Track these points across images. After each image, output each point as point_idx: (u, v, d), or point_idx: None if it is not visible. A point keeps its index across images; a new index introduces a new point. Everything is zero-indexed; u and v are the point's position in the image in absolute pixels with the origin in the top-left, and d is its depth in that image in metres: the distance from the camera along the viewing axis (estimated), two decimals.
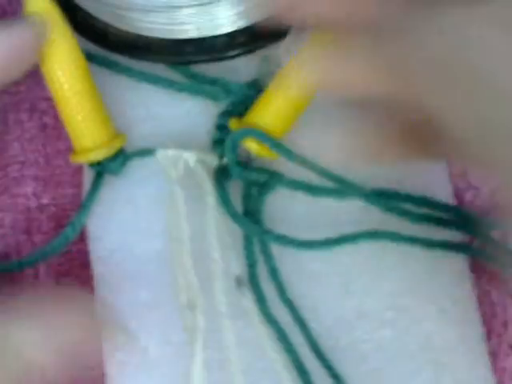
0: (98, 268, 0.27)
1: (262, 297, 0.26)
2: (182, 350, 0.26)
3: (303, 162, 0.26)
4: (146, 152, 0.27)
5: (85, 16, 0.30)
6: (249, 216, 0.27)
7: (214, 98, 0.29)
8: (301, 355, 0.25)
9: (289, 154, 0.26)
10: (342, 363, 0.26)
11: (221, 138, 0.27)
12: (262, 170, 0.27)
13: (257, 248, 0.27)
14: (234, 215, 0.26)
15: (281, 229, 0.27)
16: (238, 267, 0.26)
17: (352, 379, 0.25)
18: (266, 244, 0.27)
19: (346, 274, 0.27)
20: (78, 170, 0.28)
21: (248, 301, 0.26)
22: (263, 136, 0.25)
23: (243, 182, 0.27)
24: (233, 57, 0.29)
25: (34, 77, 0.29)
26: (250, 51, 0.29)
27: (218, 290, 0.25)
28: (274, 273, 0.26)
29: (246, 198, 0.27)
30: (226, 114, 0.28)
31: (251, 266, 0.26)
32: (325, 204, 0.27)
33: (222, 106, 0.28)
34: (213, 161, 0.27)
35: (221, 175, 0.27)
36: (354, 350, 0.26)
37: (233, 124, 0.26)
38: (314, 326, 0.26)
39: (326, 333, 0.26)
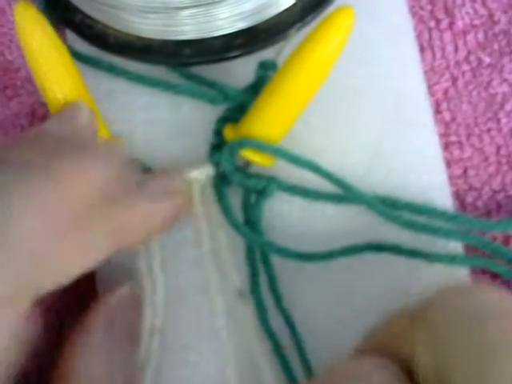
0: (103, 279, 0.27)
1: (261, 306, 0.26)
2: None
3: (307, 165, 0.25)
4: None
5: (84, 18, 0.30)
6: (249, 225, 0.27)
7: (211, 101, 0.29)
8: (294, 369, 0.26)
9: (292, 158, 0.25)
10: None
11: (218, 144, 0.27)
12: (259, 176, 0.27)
13: (258, 256, 0.27)
14: (236, 226, 0.26)
15: (278, 234, 0.27)
16: (239, 279, 0.26)
17: None
18: (267, 254, 0.26)
19: (346, 278, 0.26)
20: None
21: (248, 312, 0.26)
22: (261, 145, 0.25)
23: (242, 189, 0.27)
24: (231, 58, 0.29)
25: (33, 82, 0.29)
26: (248, 53, 0.29)
27: (218, 305, 0.25)
28: (272, 282, 0.26)
29: (245, 205, 0.27)
30: (224, 119, 0.27)
31: (254, 274, 0.26)
32: (323, 210, 0.27)
33: (221, 109, 0.28)
34: (208, 172, 0.27)
35: (220, 183, 0.27)
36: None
37: (228, 133, 0.26)
38: (311, 327, 0.26)
39: (323, 335, 0.26)
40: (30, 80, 0.29)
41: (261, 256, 0.27)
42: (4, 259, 0.19)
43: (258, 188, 0.26)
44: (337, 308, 0.26)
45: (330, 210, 0.27)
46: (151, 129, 0.29)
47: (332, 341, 0.26)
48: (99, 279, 0.27)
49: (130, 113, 0.29)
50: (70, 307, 0.27)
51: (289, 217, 0.27)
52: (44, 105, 0.29)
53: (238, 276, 0.26)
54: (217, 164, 0.27)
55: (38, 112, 0.29)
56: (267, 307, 0.26)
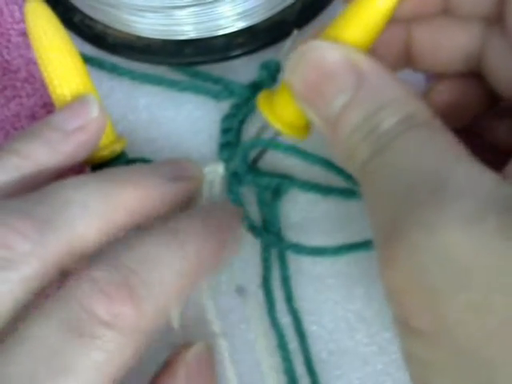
0: None
1: (271, 302, 0.26)
2: None
3: (320, 162, 0.25)
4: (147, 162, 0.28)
5: (84, 18, 0.30)
6: (266, 223, 0.27)
7: (215, 96, 0.29)
8: (295, 366, 0.26)
9: (305, 155, 0.25)
10: (343, 366, 0.26)
11: (227, 142, 0.27)
12: (272, 174, 0.27)
13: (274, 252, 0.27)
14: (250, 227, 0.26)
15: (293, 231, 0.27)
16: (241, 277, 0.26)
17: (353, 382, 0.26)
18: (284, 253, 0.27)
19: (349, 278, 0.27)
20: (81, 172, 0.28)
21: (249, 309, 0.26)
22: (275, 145, 0.25)
23: (256, 188, 0.27)
24: (232, 58, 0.29)
25: (34, 83, 0.29)
26: (249, 52, 0.29)
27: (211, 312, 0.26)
28: (286, 281, 0.26)
29: (261, 204, 0.27)
30: (230, 117, 0.27)
31: (267, 269, 0.27)
32: (333, 206, 0.27)
33: (223, 107, 0.28)
34: (217, 169, 0.27)
35: (233, 182, 0.27)
36: (355, 352, 0.26)
37: (263, 105, 0.23)
38: (315, 328, 0.26)
39: (327, 336, 0.26)
40: (29, 81, 0.29)
41: (278, 254, 0.27)
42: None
43: (272, 186, 0.27)
44: (345, 305, 0.27)
45: (341, 205, 0.27)
46: (154, 129, 0.29)
47: (338, 341, 0.26)
48: None
49: (133, 113, 0.29)
50: None
51: (297, 214, 0.28)
52: (44, 106, 0.29)
53: (240, 273, 0.26)
54: (226, 161, 0.27)
55: (39, 114, 0.29)
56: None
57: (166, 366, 0.22)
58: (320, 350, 0.26)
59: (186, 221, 0.23)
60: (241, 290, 0.26)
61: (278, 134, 0.24)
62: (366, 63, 0.20)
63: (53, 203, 0.21)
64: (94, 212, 0.21)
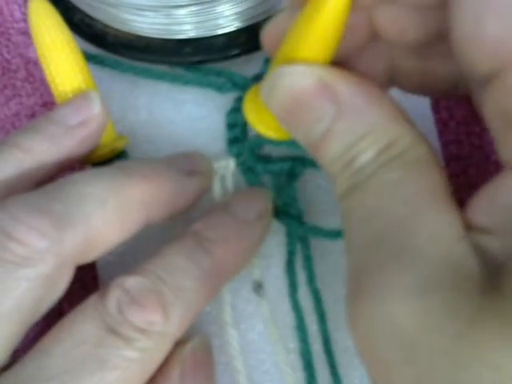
0: (104, 272, 0.27)
1: (294, 283, 0.26)
2: None
3: None
4: None
5: (83, 17, 0.30)
6: (286, 207, 0.26)
7: (219, 89, 0.29)
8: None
9: None
10: (348, 364, 0.26)
11: (235, 137, 0.27)
12: (284, 158, 0.27)
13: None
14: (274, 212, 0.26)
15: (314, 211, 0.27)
16: (259, 272, 0.26)
17: (353, 381, 0.26)
18: (306, 235, 0.27)
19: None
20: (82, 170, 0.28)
21: (263, 305, 0.26)
22: (280, 142, 0.25)
23: (271, 176, 0.27)
24: (232, 57, 0.29)
25: (33, 83, 0.29)
26: (249, 51, 0.29)
27: (225, 301, 0.26)
28: (308, 261, 0.26)
29: (278, 190, 0.27)
30: (234, 111, 0.28)
31: (291, 253, 0.27)
32: None
33: (224, 107, 0.28)
34: (228, 164, 0.27)
35: (250, 177, 0.27)
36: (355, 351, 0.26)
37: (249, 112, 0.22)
38: (315, 327, 0.26)
39: (334, 334, 0.26)
40: (29, 81, 0.29)
41: (300, 236, 0.27)
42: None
43: (285, 170, 0.27)
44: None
45: None
46: (154, 129, 0.29)
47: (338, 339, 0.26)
48: (100, 268, 0.27)
49: (132, 113, 0.29)
50: (71, 296, 0.27)
51: (316, 194, 0.28)
52: (45, 106, 0.29)
53: (258, 268, 0.26)
54: (237, 157, 0.27)
55: (39, 113, 0.29)
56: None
57: (160, 365, 0.22)
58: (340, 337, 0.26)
59: (211, 225, 0.23)
60: (258, 287, 0.26)
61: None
62: (341, 85, 0.19)
63: (68, 198, 0.21)
64: (110, 206, 0.21)
